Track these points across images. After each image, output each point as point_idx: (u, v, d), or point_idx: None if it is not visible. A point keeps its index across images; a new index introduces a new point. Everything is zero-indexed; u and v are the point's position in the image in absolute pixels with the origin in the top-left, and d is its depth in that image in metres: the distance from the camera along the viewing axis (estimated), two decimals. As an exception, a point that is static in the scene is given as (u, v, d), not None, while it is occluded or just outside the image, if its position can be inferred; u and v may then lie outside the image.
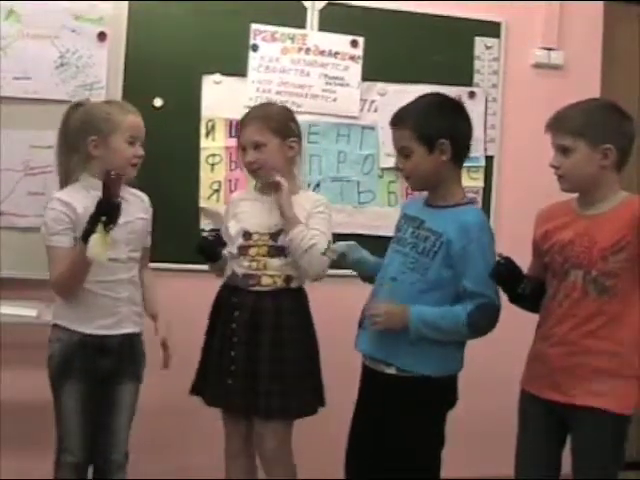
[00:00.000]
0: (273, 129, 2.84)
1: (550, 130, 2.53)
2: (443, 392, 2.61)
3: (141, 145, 2.79)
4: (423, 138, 2.55)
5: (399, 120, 2.62)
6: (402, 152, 2.61)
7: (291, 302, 2.85)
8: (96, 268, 2.63)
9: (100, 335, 2.72)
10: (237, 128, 3.00)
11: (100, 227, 2.52)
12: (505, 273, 2.54)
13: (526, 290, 2.57)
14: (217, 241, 2.88)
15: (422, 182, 2.65)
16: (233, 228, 2.89)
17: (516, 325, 2.70)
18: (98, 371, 2.73)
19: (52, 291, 2.77)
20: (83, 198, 2.69)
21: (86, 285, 2.68)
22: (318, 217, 2.85)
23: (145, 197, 2.91)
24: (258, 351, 2.78)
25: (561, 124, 2.50)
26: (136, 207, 2.84)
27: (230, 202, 3.06)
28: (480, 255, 2.51)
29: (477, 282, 2.50)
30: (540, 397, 2.55)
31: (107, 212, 2.54)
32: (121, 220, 2.61)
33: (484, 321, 2.52)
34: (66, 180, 2.80)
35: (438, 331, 2.53)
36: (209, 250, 2.88)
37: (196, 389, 2.91)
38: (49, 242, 2.70)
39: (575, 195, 2.57)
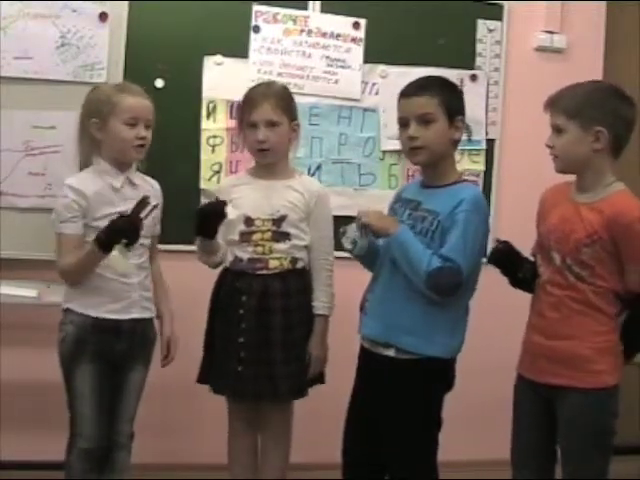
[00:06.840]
0: (286, 109, 2.86)
1: (547, 109, 2.53)
2: (440, 375, 2.62)
3: (147, 127, 2.75)
4: (448, 110, 2.56)
5: (421, 88, 2.60)
6: (423, 118, 2.56)
7: (297, 283, 2.87)
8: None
9: (111, 319, 2.71)
10: (240, 105, 2.99)
11: (120, 247, 2.58)
12: (502, 257, 2.54)
13: (527, 274, 2.57)
14: (222, 209, 2.72)
15: (433, 155, 2.60)
16: (232, 214, 2.84)
17: (515, 310, 2.69)
18: (112, 355, 2.73)
19: (56, 273, 2.76)
20: (94, 182, 2.70)
21: (96, 270, 2.68)
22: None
23: (155, 184, 2.90)
24: (269, 335, 2.78)
25: (557, 103, 2.49)
26: (147, 194, 2.79)
27: (222, 189, 3.00)
28: (462, 225, 2.50)
29: (450, 248, 2.49)
30: (530, 381, 2.56)
31: (130, 235, 2.58)
32: (131, 205, 2.62)
33: (444, 280, 2.49)
34: (84, 163, 2.80)
35: (404, 259, 2.53)
36: (212, 220, 2.73)
37: (203, 378, 2.91)
38: (58, 229, 2.71)
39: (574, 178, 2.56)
